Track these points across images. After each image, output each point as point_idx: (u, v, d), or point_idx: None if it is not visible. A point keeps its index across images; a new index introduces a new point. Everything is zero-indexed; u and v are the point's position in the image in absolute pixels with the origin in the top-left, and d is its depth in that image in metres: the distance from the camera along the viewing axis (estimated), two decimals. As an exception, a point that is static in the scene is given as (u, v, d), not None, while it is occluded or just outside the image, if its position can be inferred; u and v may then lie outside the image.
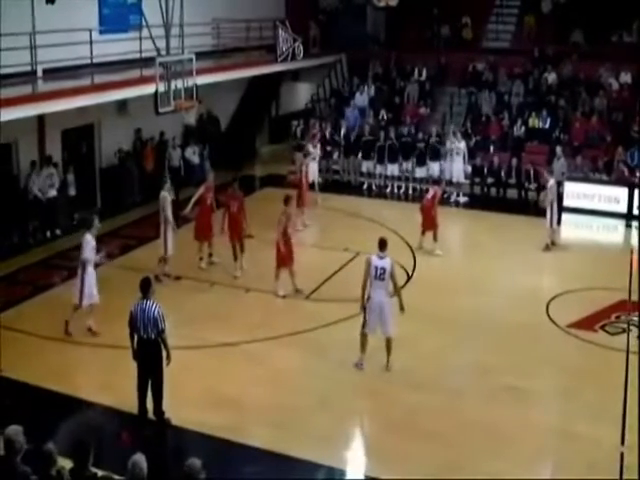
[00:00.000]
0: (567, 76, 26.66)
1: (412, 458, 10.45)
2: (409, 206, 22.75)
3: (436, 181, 21.08)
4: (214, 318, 14.77)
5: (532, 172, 22.74)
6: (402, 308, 12.60)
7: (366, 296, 12.52)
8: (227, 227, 16.94)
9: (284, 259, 15.72)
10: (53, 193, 19.48)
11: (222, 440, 10.79)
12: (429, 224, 18.60)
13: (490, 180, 23.53)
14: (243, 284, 16.25)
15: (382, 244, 12.57)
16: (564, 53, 27.17)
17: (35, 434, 7.87)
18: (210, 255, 17.54)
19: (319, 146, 23.35)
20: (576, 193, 22.06)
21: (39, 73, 18.49)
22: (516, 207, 22.21)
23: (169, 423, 11.18)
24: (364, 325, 12.75)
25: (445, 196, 23.37)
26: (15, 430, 7.48)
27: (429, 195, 19.05)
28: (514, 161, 23.38)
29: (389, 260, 12.43)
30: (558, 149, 22.05)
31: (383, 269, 12.30)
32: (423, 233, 18.73)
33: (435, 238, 18.49)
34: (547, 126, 24.87)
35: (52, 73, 18.64)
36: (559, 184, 20.64)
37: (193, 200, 17.51)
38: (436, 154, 23.84)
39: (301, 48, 26.36)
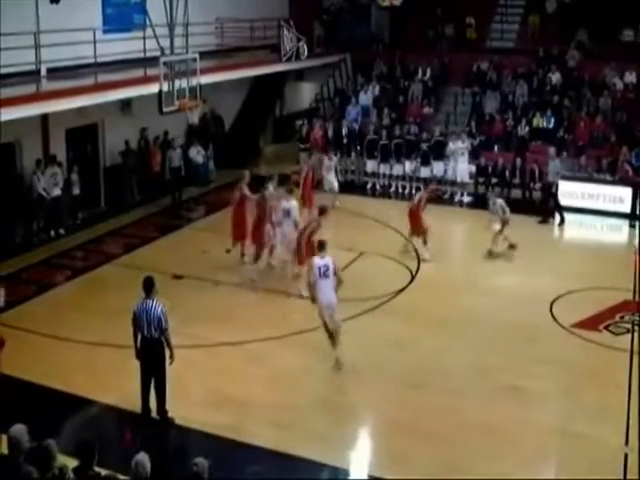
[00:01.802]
0: (572, 67, 26.61)
1: (413, 458, 10.46)
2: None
3: (426, 184, 20.94)
4: (217, 317, 14.79)
5: (537, 172, 22.76)
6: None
7: (317, 295, 12.93)
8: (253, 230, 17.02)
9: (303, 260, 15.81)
10: (57, 192, 19.53)
11: (225, 439, 10.81)
12: (416, 229, 18.40)
13: (494, 180, 23.50)
14: (246, 284, 16.20)
15: (320, 245, 13.27)
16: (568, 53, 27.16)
17: (38, 433, 7.89)
18: (242, 255, 17.52)
19: (334, 157, 23.24)
20: (580, 193, 22.08)
21: (43, 72, 18.51)
22: (520, 207, 22.14)
23: (172, 422, 11.19)
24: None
25: (449, 196, 23.48)
26: (19, 429, 7.50)
27: (415, 200, 18.81)
28: (518, 161, 23.38)
29: (330, 259, 12.93)
30: (551, 150, 22.00)
31: (326, 266, 12.85)
32: (410, 237, 18.64)
33: (424, 242, 18.26)
34: (551, 126, 24.81)
35: (56, 72, 18.67)
36: (552, 185, 21.09)
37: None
38: (440, 154, 23.83)
39: (305, 48, 26.35)
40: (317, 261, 12.98)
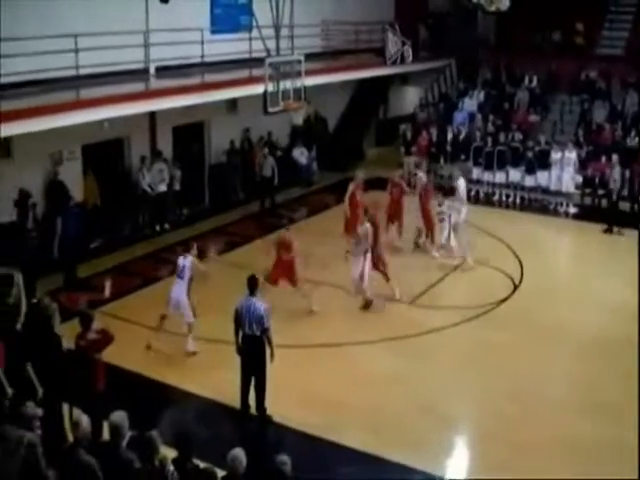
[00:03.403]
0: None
1: (505, 468, 10.23)
2: (516, 215, 22.42)
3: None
4: (317, 318, 14.86)
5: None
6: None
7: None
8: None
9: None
10: (163, 188, 19.94)
11: (320, 439, 10.85)
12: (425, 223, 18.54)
13: (601, 191, 22.88)
14: (347, 287, 16.14)
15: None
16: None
17: (138, 422, 8.06)
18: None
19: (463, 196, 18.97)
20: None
21: (151, 71, 18.94)
22: (628, 219, 21.53)
23: (271, 420, 11.29)
24: None
25: (554, 206, 22.99)
26: (120, 416, 7.64)
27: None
28: (627, 172, 22.68)
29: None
30: (614, 157, 21.48)
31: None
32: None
33: (432, 240, 18.44)
34: (663, 137, 24.03)
35: (164, 71, 19.06)
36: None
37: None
38: (545, 163, 23.35)
39: (410, 51, 26.18)
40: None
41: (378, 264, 15.76)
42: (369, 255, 15.38)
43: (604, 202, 22.27)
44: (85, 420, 7.61)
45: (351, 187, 18.27)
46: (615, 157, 21.57)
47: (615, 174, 21.36)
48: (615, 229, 20.70)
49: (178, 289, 13.24)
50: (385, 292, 15.74)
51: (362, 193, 18.33)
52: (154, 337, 13.47)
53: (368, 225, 15.39)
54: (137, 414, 8.16)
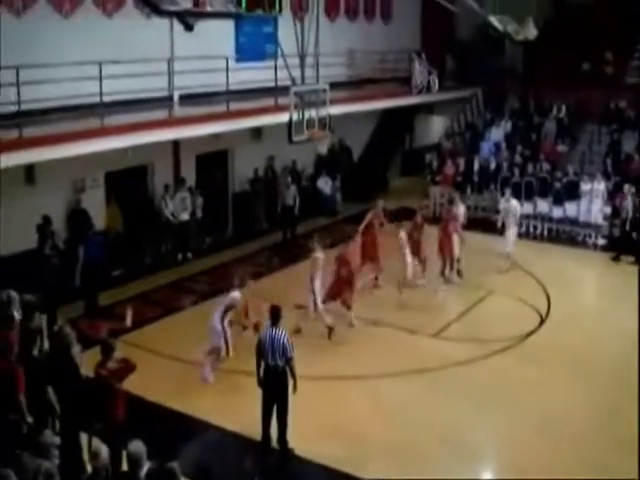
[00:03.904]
0: None
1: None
2: (544, 247, 22.26)
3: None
4: (339, 350, 14.81)
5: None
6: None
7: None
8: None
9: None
10: (186, 217, 20.00)
11: (342, 473, 10.74)
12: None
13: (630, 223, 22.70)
14: (371, 317, 16.12)
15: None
16: None
17: (158, 453, 8.03)
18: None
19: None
20: None
21: (175, 98, 19.10)
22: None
23: (292, 453, 11.21)
24: None
25: (582, 238, 22.84)
26: (138, 446, 7.63)
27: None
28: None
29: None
30: (626, 187, 21.72)
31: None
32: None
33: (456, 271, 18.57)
34: (694, 167, 23.87)
35: (188, 99, 19.22)
36: None
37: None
38: (573, 194, 23.22)
39: (436, 81, 26.23)
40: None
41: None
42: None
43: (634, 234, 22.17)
44: (104, 450, 7.60)
45: (369, 216, 18.22)
46: (627, 187, 21.71)
47: (627, 203, 21.49)
48: (624, 257, 20.89)
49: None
50: (408, 324, 15.65)
51: (381, 222, 18.22)
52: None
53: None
54: (157, 445, 8.16)
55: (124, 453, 8.00)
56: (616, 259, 21.00)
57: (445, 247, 18.37)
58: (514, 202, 20.43)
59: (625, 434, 11.83)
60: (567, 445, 11.64)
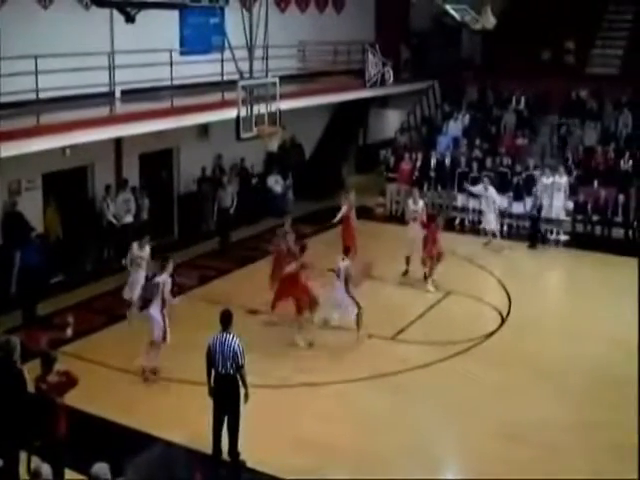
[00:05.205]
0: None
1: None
2: (504, 244, 22.50)
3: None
4: (295, 355, 14.86)
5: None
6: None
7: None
8: None
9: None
10: (129, 219, 19.88)
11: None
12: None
13: (594, 217, 23.10)
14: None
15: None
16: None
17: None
18: None
19: None
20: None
21: (117, 94, 18.98)
22: (622, 247, 21.77)
23: (244, 465, 11.21)
24: None
25: (543, 234, 23.13)
26: (102, 468, 7.57)
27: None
28: (621, 197, 22.92)
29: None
30: None
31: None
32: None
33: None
34: (658, 160, 24.33)
35: (130, 95, 19.11)
36: None
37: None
38: (534, 188, 23.53)
39: (391, 73, 26.41)
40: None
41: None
42: None
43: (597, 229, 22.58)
44: (45, 469, 7.55)
45: (344, 209, 18.54)
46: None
47: (536, 190, 23.06)
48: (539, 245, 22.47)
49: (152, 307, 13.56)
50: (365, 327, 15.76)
51: (354, 215, 18.51)
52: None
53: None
54: (102, 462, 8.10)
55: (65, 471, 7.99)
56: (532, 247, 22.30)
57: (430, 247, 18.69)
58: (491, 189, 21.78)
59: (600, 442, 11.98)
60: (530, 450, 11.76)
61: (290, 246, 16.67)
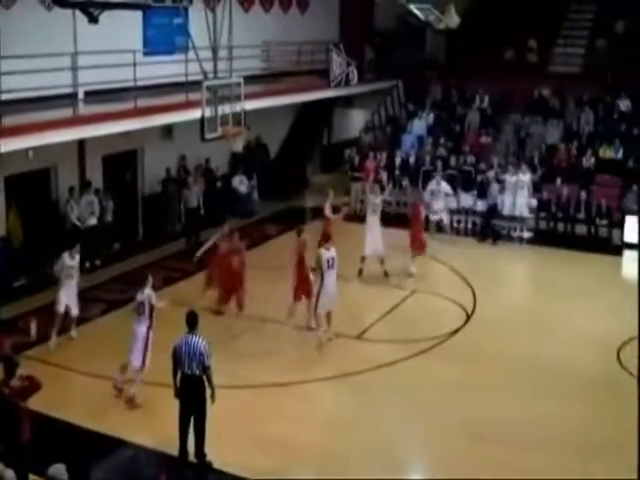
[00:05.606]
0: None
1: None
2: (468, 242, 22.70)
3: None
4: (260, 356, 14.86)
5: (604, 206, 22.62)
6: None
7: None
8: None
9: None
10: (93, 221, 19.79)
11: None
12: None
13: (557, 215, 23.33)
14: (295, 322, 16.15)
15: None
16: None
17: (69, 474, 7.98)
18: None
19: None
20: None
21: (80, 95, 18.85)
22: (585, 244, 22.02)
23: (210, 466, 11.22)
24: None
25: (507, 231, 23.34)
26: (58, 469, 7.57)
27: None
28: (583, 194, 23.17)
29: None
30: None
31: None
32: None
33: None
34: (620, 157, 24.61)
35: (94, 96, 19.00)
36: None
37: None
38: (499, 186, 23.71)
39: (355, 73, 26.51)
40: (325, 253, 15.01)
41: None
42: None
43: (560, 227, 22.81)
44: (10, 474, 7.52)
45: (327, 207, 18.64)
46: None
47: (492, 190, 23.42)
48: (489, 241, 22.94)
49: (138, 328, 13.14)
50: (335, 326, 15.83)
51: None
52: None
53: None
54: (68, 466, 8.08)
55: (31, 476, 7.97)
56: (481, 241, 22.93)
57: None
58: (444, 184, 22.20)
59: (561, 437, 12.12)
60: (495, 448, 11.85)
61: (236, 244, 16.73)
